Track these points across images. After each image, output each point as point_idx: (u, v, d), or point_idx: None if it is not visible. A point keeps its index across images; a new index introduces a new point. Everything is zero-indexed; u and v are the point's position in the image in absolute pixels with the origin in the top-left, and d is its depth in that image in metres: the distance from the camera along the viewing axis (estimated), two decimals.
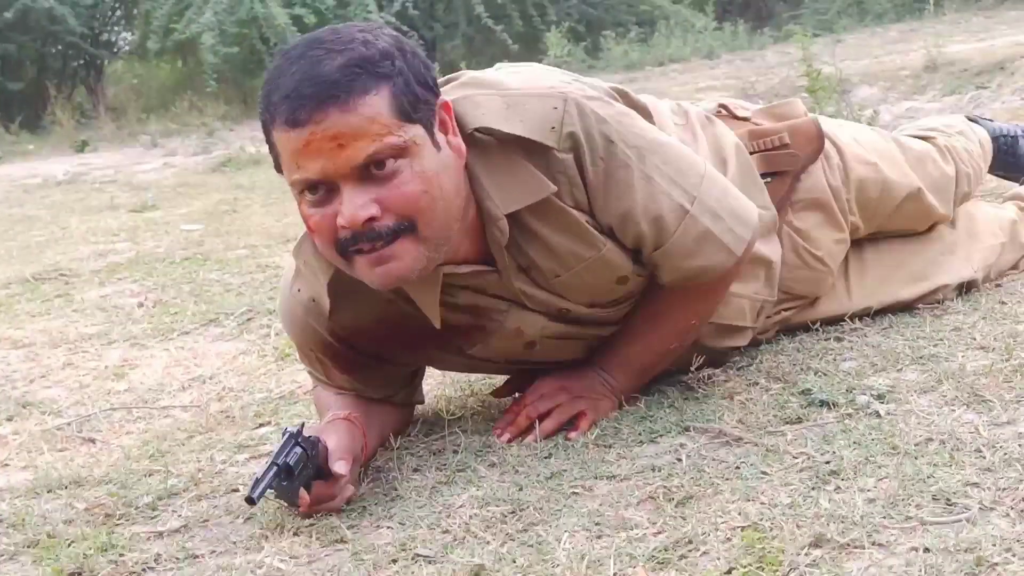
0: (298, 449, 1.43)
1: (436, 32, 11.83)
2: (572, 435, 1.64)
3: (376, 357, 1.71)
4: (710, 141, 1.85)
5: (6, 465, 1.92)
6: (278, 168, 1.46)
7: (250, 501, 1.38)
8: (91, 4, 12.40)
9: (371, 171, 1.39)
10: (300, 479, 1.44)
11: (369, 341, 1.67)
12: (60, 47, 12.72)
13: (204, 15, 10.72)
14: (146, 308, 3.01)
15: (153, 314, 2.93)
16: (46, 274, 3.67)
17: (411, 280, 1.50)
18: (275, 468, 1.41)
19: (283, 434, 1.45)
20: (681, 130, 1.83)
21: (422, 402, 1.86)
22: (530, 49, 11.02)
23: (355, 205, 1.39)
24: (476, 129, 1.51)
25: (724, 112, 1.98)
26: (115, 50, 14.04)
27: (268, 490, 1.42)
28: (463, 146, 1.49)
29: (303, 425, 1.49)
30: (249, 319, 2.75)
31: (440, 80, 1.60)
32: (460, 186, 1.49)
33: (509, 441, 1.66)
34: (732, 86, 7.38)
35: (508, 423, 1.69)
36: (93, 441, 2.00)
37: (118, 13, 13.84)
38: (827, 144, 1.92)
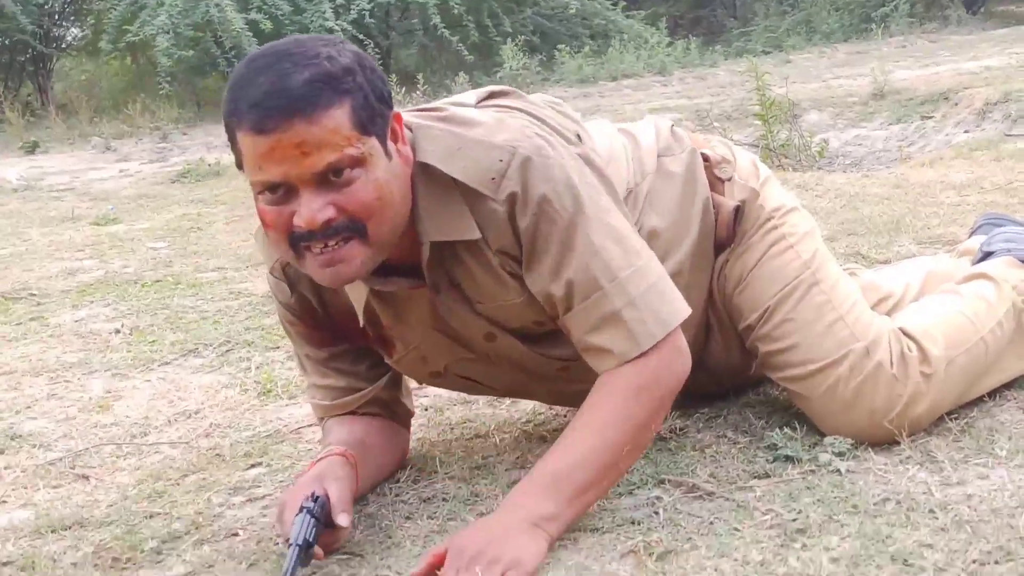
0: (311, 520, 1.53)
1: (392, 40, 11.91)
2: None
3: (335, 333, 1.84)
4: (684, 195, 1.88)
5: (4, 502, 1.99)
6: (239, 164, 1.57)
7: None
8: (41, 1, 12.30)
9: (329, 178, 1.51)
10: (315, 542, 1.53)
11: (320, 321, 1.83)
12: (7, 42, 12.59)
13: (159, 17, 10.70)
14: (123, 335, 3.08)
15: (131, 342, 3.00)
16: (15, 293, 3.72)
17: (356, 279, 1.64)
18: (297, 549, 1.49)
19: (300, 510, 1.54)
20: (655, 177, 1.87)
21: (413, 414, 1.97)
22: (485, 61, 11.14)
23: (313, 208, 1.51)
24: (420, 162, 1.63)
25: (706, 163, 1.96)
26: (63, 46, 13.91)
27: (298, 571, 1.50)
28: (411, 154, 1.62)
29: (314, 496, 1.57)
30: (228, 350, 2.83)
31: (422, 107, 1.75)
32: (407, 193, 1.61)
33: None
34: (686, 106, 7.55)
35: None
36: (87, 478, 2.07)
37: (67, 9, 13.72)
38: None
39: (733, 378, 2.06)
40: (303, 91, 1.48)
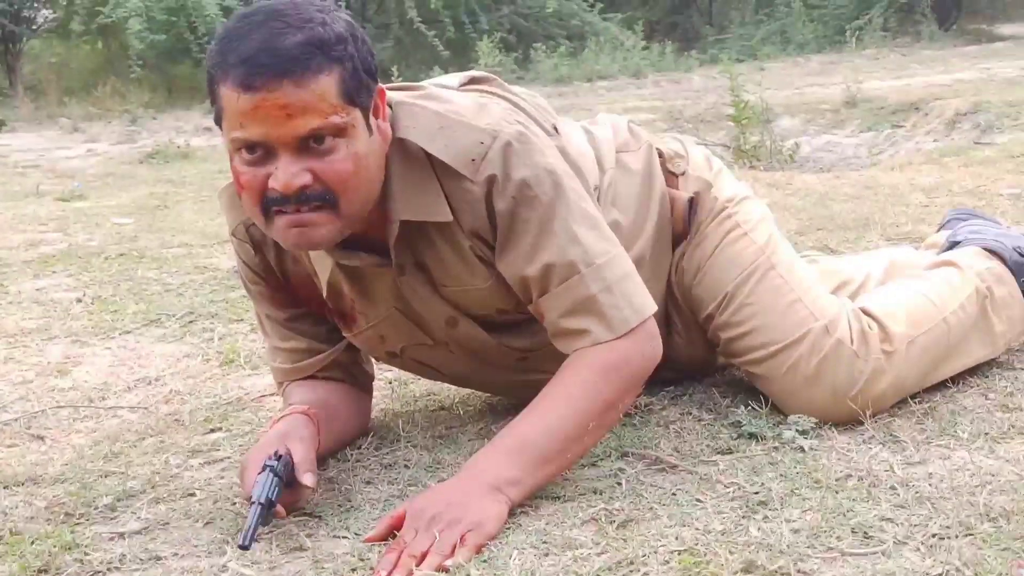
0: (274, 478, 1.51)
1: (368, 33, 11.84)
2: (448, 563, 1.41)
3: (295, 298, 1.83)
4: (642, 190, 1.90)
5: None
6: (217, 120, 1.55)
7: (244, 548, 1.43)
8: None
9: (309, 144, 1.50)
10: (277, 501, 1.51)
11: (282, 284, 1.82)
12: None
13: (131, 0, 10.61)
14: (85, 304, 3.03)
15: (92, 311, 2.96)
16: None
17: (322, 248, 1.63)
18: (260, 508, 1.47)
19: (263, 468, 1.52)
20: (614, 172, 1.87)
21: (373, 378, 1.96)
22: (460, 57, 11.13)
23: (290, 173, 1.49)
24: (398, 139, 1.61)
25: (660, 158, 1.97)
26: (34, 27, 13.76)
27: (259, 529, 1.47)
28: (389, 131, 1.61)
29: (277, 454, 1.55)
30: (191, 321, 2.80)
31: (404, 84, 1.73)
32: (381, 170, 1.60)
33: None
34: (659, 108, 7.58)
35: (391, 566, 1.42)
36: (43, 439, 2.04)
37: None
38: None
39: (698, 373, 2.07)
40: (295, 53, 1.46)
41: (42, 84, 11.53)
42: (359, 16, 11.84)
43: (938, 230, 2.45)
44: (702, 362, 2.04)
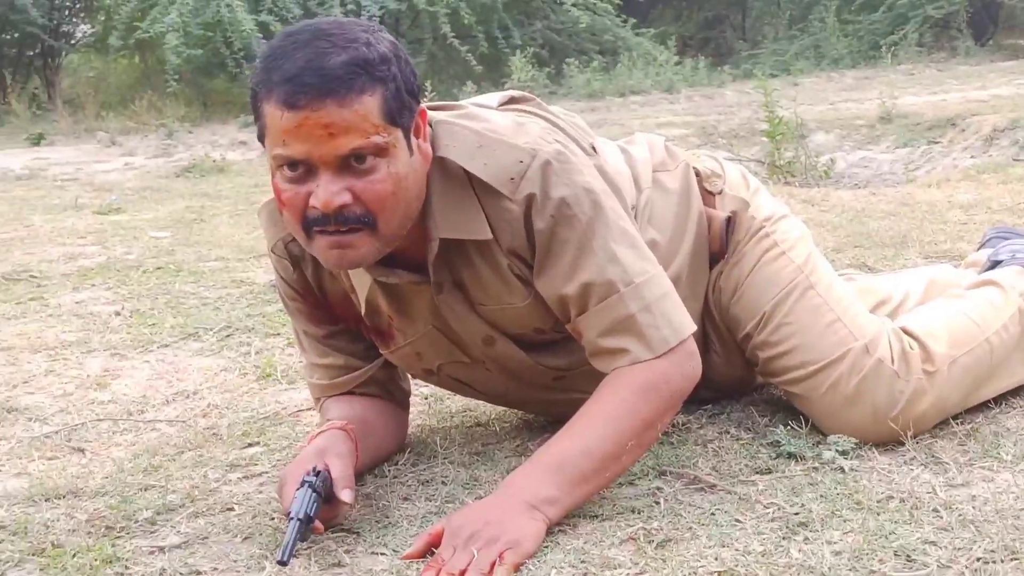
0: (313, 494, 1.51)
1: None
2: None
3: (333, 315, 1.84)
4: (680, 209, 1.90)
5: None
6: (260, 137, 1.56)
7: (283, 564, 1.43)
8: None
9: (351, 163, 1.51)
10: (316, 517, 1.51)
11: (320, 301, 1.82)
12: (16, 35, 12.59)
13: (169, 15, 10.71)
14: (123, 317, 3.06)
15: (131, 324, 2.98)
16: (16, 274, 3.71)
17: (360, 267, 1.64)
18: (298, 523, 1.47)
19: (301, 484, 1.52)
20: (651, 191, 1.88)
21: (410, 394, 1.96)
22: (493, 72, 11.16)
23: (331, 191, 1.51)
24: (438, 157, 1.62)
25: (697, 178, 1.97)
26: (72, 42, 13.93)
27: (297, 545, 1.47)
28: (431, 152, 1.62)
29: (315, 470, 1.56)
30: (228, 335, 2.82)
31: (443, 103, 1.74)
32: (421, 190, 1.61)
33: None
34: (692, 123, 7.56)
35: None
36: (83, 451, 2.05)
37: (78, 5, 13.74)
38: None
39: (736, 392, 2.06)
40: (339, 73, 1.48)
41: (80, 98, 11.65)
42: (393, 31, 11.87)
43: (978, 248, 2.42)
44: (740, 381, 2.03)
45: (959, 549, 1.42)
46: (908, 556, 1.41)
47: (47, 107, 11.81)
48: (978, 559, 1.39)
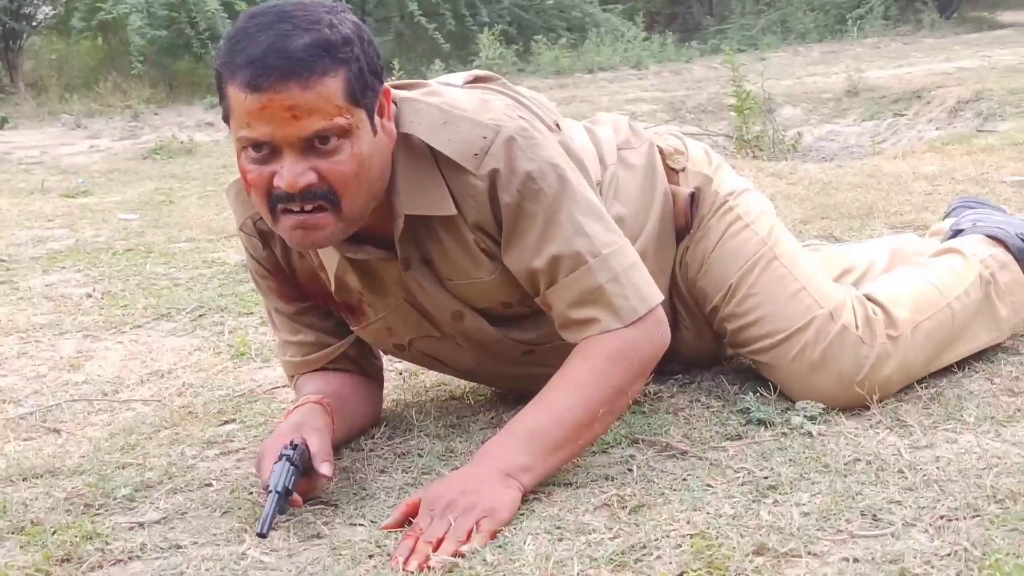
0: (291, 467, 1.53)
1: (368, 27, 11.84)
2: (464, 548, 1.43)
3: (303, 292, 1.86)
4: (644, 185, 1.93)
5: None
6: (226, 118, 1.58)
7: (262, 536, 1.46)
8: None
9: (314, 144, 1.53)
10: (294, 490, 1.53)
11: (290, 278, 1.84)
12: None
13: None
14: (95, 299, 3.06)
15: (103, 306, 2.98)
16: None
17: (325, 247, 1.67)
18: (277, 496, 1.49)
19: (279, 457, 1.54)
20: (616, 168, 1.90)
21: (382, 368, 1.99)
22: (461, 50, 11.13)
23: (295, 172, 1.52)
24: (403, 134, 1.64)
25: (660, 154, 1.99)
26: (34, 24, 13.75)
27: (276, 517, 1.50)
28: (394, 131, 1.63)
29: (293, 443, 1.58)
30: (201, 315, 2.83)
31: (408, 81, 1.76)
32: (386, 169, 1.63)
33: (421, 568, 1.40)
34: (661, 99, 7.58)
35: (408, 552, 1.44)
36: (58, 432, 2.06)
37: None
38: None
39: (707, 364, 2.09)
40: (302, 55, 1.49)
41: (43, 81, 11.53)
42: (359, 10, 11.83)
43: (943, 218, 2.47)
44: (709, 354, 2.07)
45: (923, 508, 1.45)
46: (874, 516, 1.45)
47: (10, 90, 11.67)
48: (941, 516, 1.42)
